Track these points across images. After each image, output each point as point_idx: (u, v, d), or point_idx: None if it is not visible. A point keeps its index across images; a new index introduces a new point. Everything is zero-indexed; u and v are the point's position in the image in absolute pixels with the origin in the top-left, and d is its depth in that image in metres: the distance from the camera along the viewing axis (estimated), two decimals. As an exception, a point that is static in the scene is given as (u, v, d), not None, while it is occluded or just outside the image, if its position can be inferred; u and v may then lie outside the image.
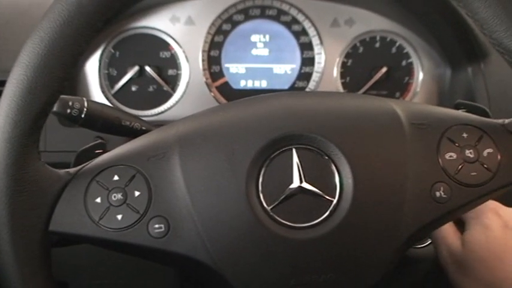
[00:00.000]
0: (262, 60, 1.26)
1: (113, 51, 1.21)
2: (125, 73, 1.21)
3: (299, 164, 0.65)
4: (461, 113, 0.74)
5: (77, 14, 0.60)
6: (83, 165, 0.68)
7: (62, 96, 0.81)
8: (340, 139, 0.66)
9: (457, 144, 0.68)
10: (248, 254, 0.63)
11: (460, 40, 1.17)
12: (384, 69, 1.25)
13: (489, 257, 0.77)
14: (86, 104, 0.83)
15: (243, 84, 1.26)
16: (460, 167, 0.67)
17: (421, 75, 1.26)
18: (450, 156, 0.68)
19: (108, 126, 0.86)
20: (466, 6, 0.65)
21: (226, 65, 1.25)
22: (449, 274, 0.82)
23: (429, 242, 0.97)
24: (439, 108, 0.73)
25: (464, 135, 0.69)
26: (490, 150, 0.68)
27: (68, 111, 0.81)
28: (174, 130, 0.69)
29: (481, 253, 0.78)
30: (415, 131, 0.69)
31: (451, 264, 0.81)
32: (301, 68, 1.26)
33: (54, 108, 0.79)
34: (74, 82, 1.20)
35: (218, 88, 1.25)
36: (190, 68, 1.22)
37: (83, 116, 0.82)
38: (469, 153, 0.68)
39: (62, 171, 0.67)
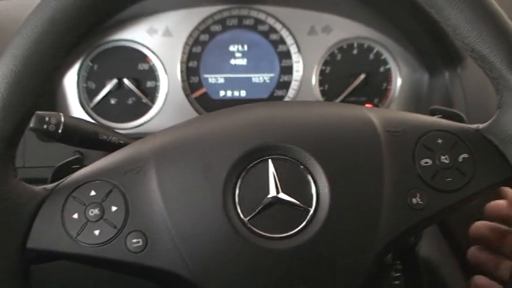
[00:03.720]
0: (241, 70, 1.26)
1: (91, 64, 1.21)
2: (103, 86, 1.21)
3: (275, 174, 0.65)
4: (436, 119, 0.74)
5: (50, 30, 0.60)
6: (59, 181, 0.68)
7: (38, 112, 0.80)
8: (316, 148, 0.66)
9: (432, 151, 0.69)
10: (226, 266, 0.63)
11: (436, 45, 1.18)
12: (362, 76, 1.25)
13: None
14: (62, 119, 0.82)
15: (222, 94, 1.26)
16: (435, 173, 0.68)
17: (399, 81, 1.26)
18: (426, 163, 0.68)
19: (85, 140, 0.85)
20: (438, 13, 0.65)
21: (205, 76, 1.25)
22: None
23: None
24: (413, 115, 0.74)
25: (439, 141, 0.69)
26: (465, 155, 0.68)
27: (45, 126, 0.81)
28: (150, 144, 0.69)
29: None
30: (390, 138, 0.69)
31: None
32: (279, 77, 1.27)
33: (31, 125, 0.79)
34: (52, 96, 1.20)
35: (197, 99, 1.25)
36: (168, 79, 1.22)
37: (59, 131, 0.82)
38: (444, 159, 0.68)
39: (39, 187, 0.67)
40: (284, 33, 1.25)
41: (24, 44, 0.60)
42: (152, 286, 0.74)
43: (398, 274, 0.90)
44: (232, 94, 1.26)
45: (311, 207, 0.65)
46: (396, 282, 0.90)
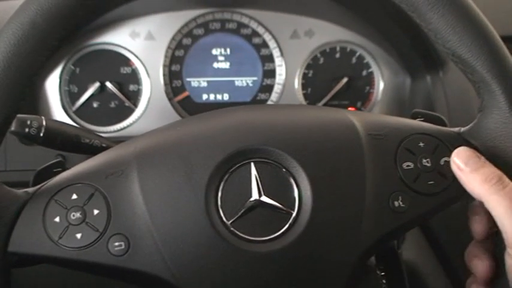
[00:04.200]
0: (224, 73, 1.26)
1: (73, 67, 1.21)
2: (85, 90, 1.21)
3: (258, 177, 0.65)
4: (417, 123, 0.74)
5: (31, 33, 0.60)
6: (41, 185, 0.68)
7: (19, 115, 0.80)
8: (298, 152, 0.66)
9: (414, 154, 0.69)
10: (209, 269, 0.63)
11: (418, 49, 1.18)
12: (345, 80, 1.26)
13: None
14: (44, 123, 0.82)
15: (205, 97, 1.26)
16: (417, 176, 0.68)
17: (381, 85, 1.27)
18: (407, 166, 0.68)
19: (67, 144, 0.85)
20: (420, 17, 0.66)
21: (188, 79, 1.25)
22: None
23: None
24: (395, 118, 0.74)
25: (421, 144, 0.69)
26: (446, 158, 0.69)
27: (26, 130, 0.80)
28: (132, 147, 0.69)
29: None
30: (372, 141, 0.69)
31: None
32: (262, 80, 1.27)
33: (12, 128, 0.79)
34: (34, 100, 1.20)
35: (180, 102, 1.25)
36: (151, 83, 1.22)
37: (41, 134, 0.81)
38: (426, 162, 0.68)
39: (20, 191, 0.66)
40: (267, 36, 1.25)
41: (5, 47, 0.60)
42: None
43: (380, 277, 0.90)
44: (215, 98, 1.26)
45: (293, 210, 0.65)
46: (380, 283, 0.90)
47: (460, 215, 0.74)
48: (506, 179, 0.63)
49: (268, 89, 1.27)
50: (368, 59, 1.27)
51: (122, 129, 1.23)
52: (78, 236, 0.64)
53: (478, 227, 0.69)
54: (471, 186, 0.65)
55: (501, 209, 0.61)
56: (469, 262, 0.70)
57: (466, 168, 0.65)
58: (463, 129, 0.72)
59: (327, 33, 1.26)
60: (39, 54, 0.61)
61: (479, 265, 0.68)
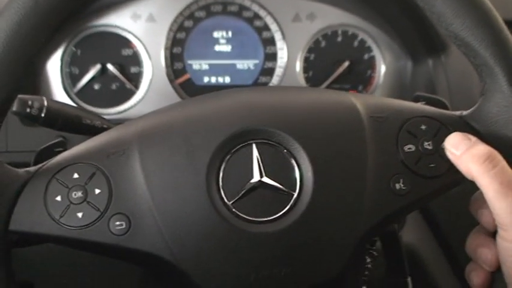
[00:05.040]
0: (225, 56, 1.26)
1: (74, 49, 1.21)
2: (87, 71, 1.21)
3: (259, 158, 0.65)
4: (419, 106, 0.74)
5: (32, 13, 0.60)
6: (42, 164, 0.68)
7: (21, 95, 0.80)
8: (300, 133, 0.66)
9: (415, 137, 0.69)
10: (209, 249, 0.63)
11: (420, 33, 1.18)
12: (346, 63, 1.25)
13: None
14: (45, 103, 0.82)
15: (206, 80, 1.26)
16: (418, 159, 0.68)
17: (383, 69, 1.27)
18: (409, 149, 0.68)
19: (68, 124, 0.85)
20: (423, 0, 0.65)
21: (189, 62, 1.25)
22: None
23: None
24: (397, 101, 0.74)
25: (423, 127, 0.69)
26: None
27: (28, 110, 0.80)
28: (134, 127, 0.69)
29: None
30: (374, 124, 0.69)
31: None
32: (264, 63, 1.27)
33: (14, 108, 0.79)
34: (36, 82, 1.20)
35: (181, 85, 1.25)
36: (152, 65, 1.22)
37: (42, 115, 0.81)
38: (428, 145, 0.68)
39: (22, 170, 0.66)
40: (268, 20, 1.25)
41: (7, 26, 0.59)
42: (135, 269, 0.74)
43: (374, 259, 0.90)
44: (217, 80, 1.26)
45: (294, 191, 0.65)
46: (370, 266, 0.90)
47: (461, 198, 0.74)
48: (497, 158, 0.63)
49: (270, 72, 1.27)
50: (370, 42, 1.26)
51: (123, 111, 1.23)
52: (80, 215, 0.64)
53: (487, 218, 0.68)
54: (463, 167, 0.65)
55: (491, 191, 0.61)
56: (472, 251, 0.70)
57: (457, 151, 0.66)
58: (465, 112, 0.72)
59: (329, 16, 1.25)
60: (40, 34, 0.61)
61: (488, 254, 0.68)
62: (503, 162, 0.63)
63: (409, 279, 0.90)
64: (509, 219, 0.60)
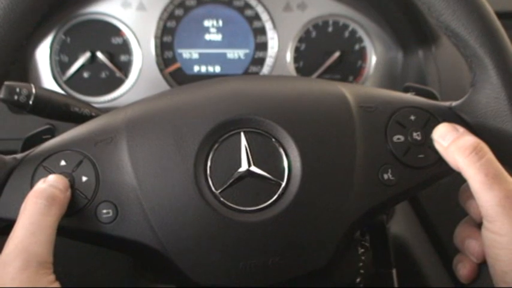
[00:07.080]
0: (216, 45, 1.26)
1: (64, 37, 1.20)
2: (76, 59, 1.20)
3: (247, 147, 0.65)
4: (409, 96, 0.74)
5: None
6: (29, 151, 0.67)
7: (8, 82, 0.79)
8: (288, 122, 0.66)
9: (404, 127, 0.69)
10: (196, 238, 0.63)
11: (411, 23, 1.18)
12: (337, 54, 1.25)
13: None
14: (33, 90, 0.81)
15: (196, 69, 1.26)
16: (407, 149, 0.68)
17: (373, 59, 1.27)
18: (398, 139, 0.68)
19: (57, 112, 0.84)
20: None
21: (179, 51, 1.25)
22: None
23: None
24: (387, 91, 0.74)
25: (412, 117, 0.69)
26: None
27: (16, 97, 0.79)
28: (122, 115, 0.69)
29: None
30: (363, 113, 0.69)
31: None
32: (254, 53, 1.26)
33: (1, 95, 0.78)
34: (25, 70, 1.19)
35: (171, 74, 1.25)
36: (142, 53, 1.22)
37: (30, 102, 0.80)
38: (417, 135, 0.68)
39: (8, 157, 0.66)
40: (259, 9, 1.24)
41: None
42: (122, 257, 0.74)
43: (366, 250, 0.90)
44: (207, 70, 1.26)
45: (283, 180, 0.65)
46: (363, 257, 0.90)
47: (450, 189, 0.74)
48: (484, 149, 0.63)
49: (260, 61, 1.26)
50: (360, 33, 1.26)
51: (112, 99, 1.22)
52: None
53: (475, 209, 0.68)
54: (450, 158, 0.65)
55: (476, 183, 0.61)
56: (460, 242, 0.70)
57: (445, 142, 0.66)
58: (454, 103, 0.72)
59: (320, 6, 1.25)
60: (28, 19, 0.60)
61: (475, 245, 0.67)
62: (490, 154, 0.63)
63: (394, 271, 0.90)
64: (494, 211, 0.60)
